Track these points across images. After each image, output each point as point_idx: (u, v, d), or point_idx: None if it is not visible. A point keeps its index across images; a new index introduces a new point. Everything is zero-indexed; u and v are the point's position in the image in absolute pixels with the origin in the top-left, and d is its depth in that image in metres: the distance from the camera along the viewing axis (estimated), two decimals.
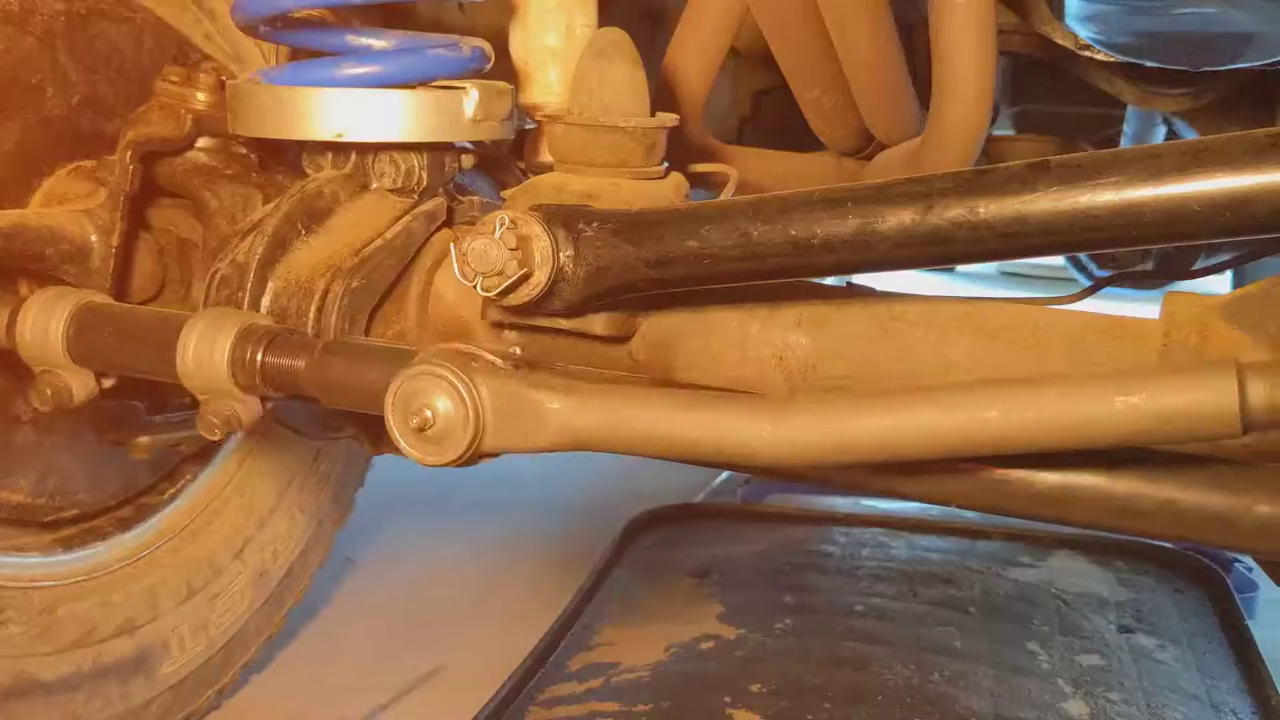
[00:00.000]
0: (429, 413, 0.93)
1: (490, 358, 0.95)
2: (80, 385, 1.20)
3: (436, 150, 1.24)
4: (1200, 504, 0.86)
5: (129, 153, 1.27)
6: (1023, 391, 0.80)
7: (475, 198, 1.31)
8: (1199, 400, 0.76)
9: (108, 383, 1.23)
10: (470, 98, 1.20)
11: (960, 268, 4.58)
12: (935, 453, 0.83)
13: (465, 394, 0.92)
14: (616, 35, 1.15)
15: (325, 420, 1.22)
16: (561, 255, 1.02)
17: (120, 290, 1.30)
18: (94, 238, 1.26)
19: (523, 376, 0.94)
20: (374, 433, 1.22)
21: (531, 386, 0.93)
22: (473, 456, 0.95)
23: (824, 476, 0.97)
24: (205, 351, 1.07)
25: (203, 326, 1.08)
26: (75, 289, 1.22)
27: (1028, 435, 0.80)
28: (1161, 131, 2.16)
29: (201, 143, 1.34)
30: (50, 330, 1.17)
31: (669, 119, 1.17)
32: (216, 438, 1.10)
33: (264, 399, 1.11)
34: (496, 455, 0.97)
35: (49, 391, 1.18)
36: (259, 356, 1.07)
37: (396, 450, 0.98)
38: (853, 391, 1.07)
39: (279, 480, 1.74)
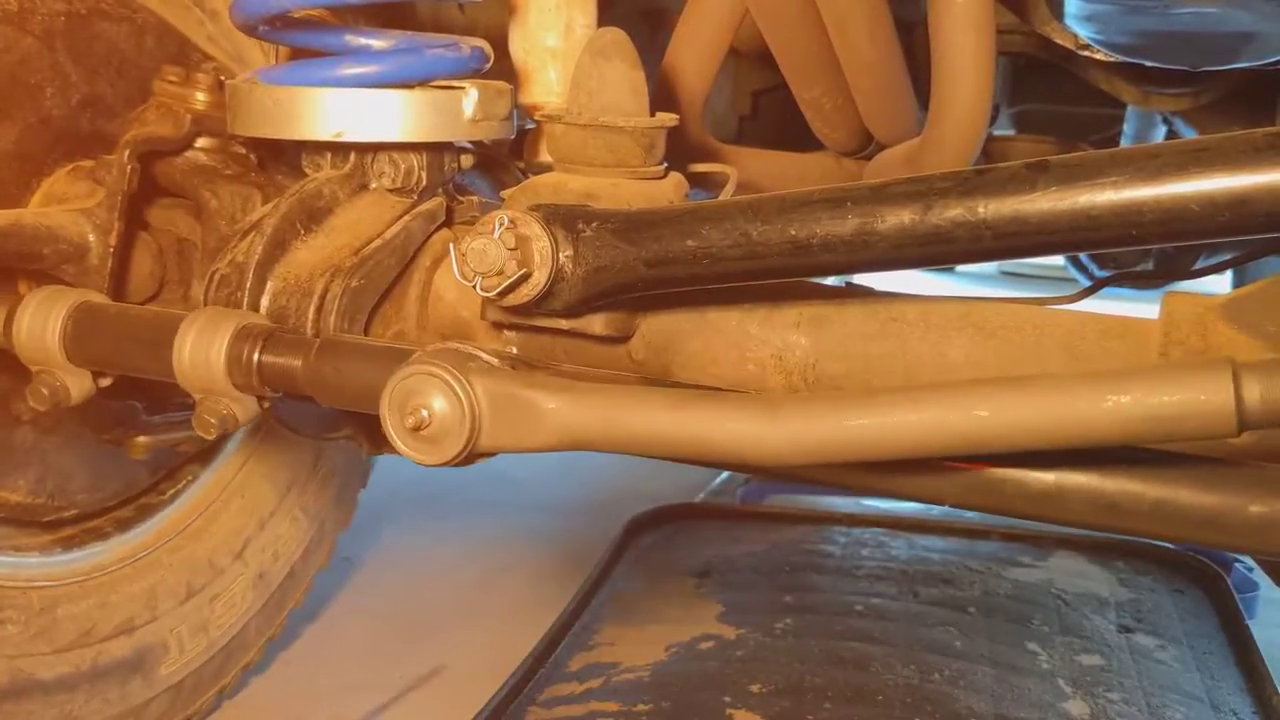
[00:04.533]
0: (425, 412, 0.93)
1: (487, 357, 0.95)
2: (77, 385, 1.19)
3: (436, 150, 1.24)
4: (1193, 503, 0.86)
5: (127, 152, 1.27)
6: (1015, 390, 0.80)
7: (474, 198, 1.31)
8: (1194, 399, 0.76)
9: (105, 382, 1.23)
10: (469, 97, 1.20)
11: (960, 268, 4.58)
12: (927, 451, 0.83)
13: (461, 393, 0.92)
14: (616, 35, 1.15)
15: (324, 420, 1.22)
16: (561, 255, 1.02)
17: (118, 290, 1.30)
18: (92, 237, 1.26)
19: (519, 376, 0.94)
20: (373, 432, 1.22)
21: (527, 386, 0.93)
22: (469, 456, 0.94)
23: (817, 476, 0.97)
24: (201, 351, 1.07)
25: (199, 326, 1.08)
26: (72, 288, 1.21)
27: (1020, 434, 0.80)
28: (1161, 131, 2.16)
29: (200, 142, 1.34)
30: (46, 329, 1.16)
31: (668, 119, 1.17)
32: (212, 437, 1.10)
33: (260, 398, 1.11)
34: (493, 455, 0.96)
35: (46, 391, 1.18)
36: (255, 355, 1.07)
37: (394, 450, 0.98)
38: (846, 391, 1.07)
39: (280, 481, 1.74)
